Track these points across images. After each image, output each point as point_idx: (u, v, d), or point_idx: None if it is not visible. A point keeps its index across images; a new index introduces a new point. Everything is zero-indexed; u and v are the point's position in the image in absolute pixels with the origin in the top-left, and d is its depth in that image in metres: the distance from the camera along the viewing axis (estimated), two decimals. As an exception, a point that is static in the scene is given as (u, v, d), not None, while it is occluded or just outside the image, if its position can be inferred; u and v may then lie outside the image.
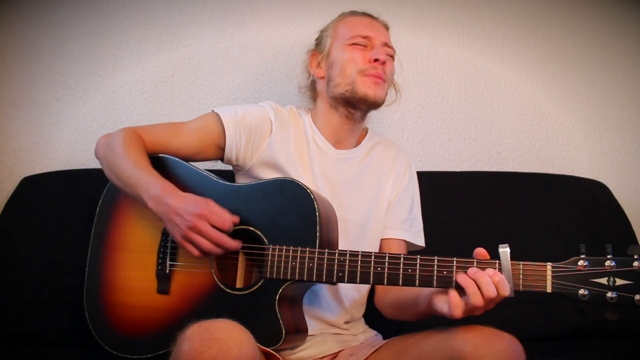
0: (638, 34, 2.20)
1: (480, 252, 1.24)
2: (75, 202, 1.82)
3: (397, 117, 2.11)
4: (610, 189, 2.04)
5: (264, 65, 2.07)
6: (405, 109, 2.12)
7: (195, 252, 1.32)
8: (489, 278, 1.16)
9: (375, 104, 1.54)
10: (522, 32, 2.18)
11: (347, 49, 1.55)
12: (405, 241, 1.61)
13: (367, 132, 1.69)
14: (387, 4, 2.14)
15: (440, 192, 1.92)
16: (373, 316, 1.63)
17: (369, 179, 1.60)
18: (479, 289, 1.16)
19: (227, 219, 1.32)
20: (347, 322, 1.55)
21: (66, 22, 2.02)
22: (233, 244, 1.33)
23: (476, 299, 1.16)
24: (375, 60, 1.52)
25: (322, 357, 1.48)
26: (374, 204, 1.58)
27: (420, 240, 1.63)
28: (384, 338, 1.56)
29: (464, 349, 1.16)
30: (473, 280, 1.18)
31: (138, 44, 2.04)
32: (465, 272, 1.19)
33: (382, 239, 1.60)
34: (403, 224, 1.60)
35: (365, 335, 1.57)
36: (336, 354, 1.49)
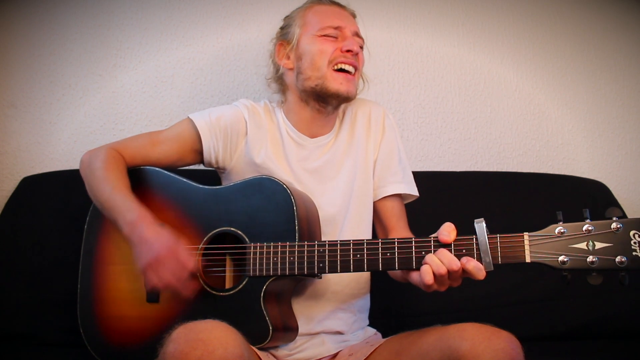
0: (638, 34, 2.21)
1: (448, 227, 1.27)
2: (75, 202, 1.80)
3: (397, 117, 2.11)
4: (610, 189, 2.04)
5: (264, 66, 2.06)
6: (405, 109, 2.12)
7: (155, 283, 1.32)
8: (450, 254, 1.22)
9: (347, 99, 1.53)
10: (522, 32, 2.18)
11: (318, 40, 1.52)
12: (399, 196, 1.60)
13: None
14: (387, 4, 2.14)
15: (440, 192, 1.92)
16: (373, 315, 1.63)
17: (347, 148, 1.59)
18: (441, 262, 1.22)
19: (189, 267, 1.32)
20: (359, 308, 1.56)
21: (66, 22, 2.02)
22: (186, 292, 1.33)
23: (439, 269, 1.21)
24: (348, 51, 1.50)
25: (321, 359, 1.48)
26: (357, 169, 1.57)
27: (414, 190, 1.61)
28: (383, 337, 1.56)
29: (462, 347, 1.16)
30: (435, 256, 1.23)
31: (138, 44, 2.05)
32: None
33: (377, 202, 1.59)
34: (393, 176, 1.59)
35: (365, 334, 1.57)
36: (335, 354, 1.49)
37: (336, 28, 1.53)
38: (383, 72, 2.10)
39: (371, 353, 1.39)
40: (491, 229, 1.85)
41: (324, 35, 1.52)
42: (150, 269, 1.32)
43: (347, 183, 1.56)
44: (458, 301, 1.72)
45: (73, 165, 1.96)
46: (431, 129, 2.13)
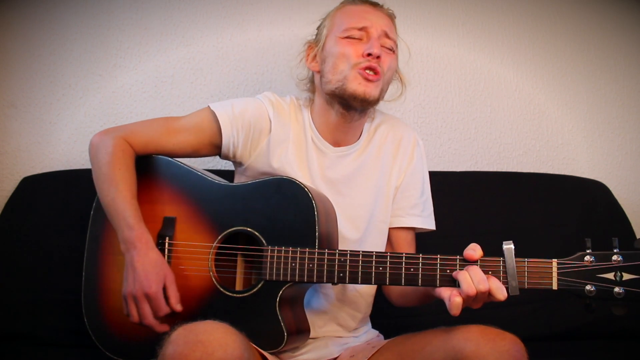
0: (638, 34, 2.20)
1: (473, 245, 1.24)
2: (75, 202, 1.82)
3: (397, 117, 2.10)
4: (610, 189, 2.04)
5: (264, 65, 2.07)
6: (405, 109, 2.12)
7: (132, 314, 1.33)
8: (482, 274, 1.18)
9: (366, 102, 1.43)
10: (522, 32, 2.18)
11: (340, 43, 1.44)
12: (413, 228, 1.56)
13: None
14: (387, 4, 2.13)
15: (440, 192, 1.91)
16: (374, 316, 1.63)
17: (371, 169, 1.53)
18: (472, 281, 1.18)
19: (169, 309, 1.33)
20: (356, 328, 1.55)
21: (66, 22, 2.02)
22: (161, 330, 1.32)
23: (469, 289, 1.17)
24: (369, 54, 1.41)
25: (323, 361, 1.48)
26: (379, 194, 1.52)
27: (431, 224, 1.57)
28: (385, 338, 1.55)
29: (466, 349, 1.15)
30: (467, 273, 1.20)
31: (138, 44, 2.04)
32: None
33: (390, 228, 1.55)
34: (413, 209, 1.55)
35: (367, 336, 1.57)
36: (336, 357, 1.48)
37: (361, 29, 1.45)
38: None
39: (373, 354, 1.38)
40: (492, 229, 1.84)
41: (347, 37, 1.45)
42: (130, 299, 1.33)
43: (367, 207, 1.51)
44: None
45: (73, 165, 1.97)
46: (431, 129, 2.13)
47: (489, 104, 2.15)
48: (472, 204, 1.96)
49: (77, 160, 1.98)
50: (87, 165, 1.90)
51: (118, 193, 1.38)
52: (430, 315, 1.45)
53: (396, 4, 2.14)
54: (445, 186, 1.96)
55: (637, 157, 2.18)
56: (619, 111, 2.19)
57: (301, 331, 1.40)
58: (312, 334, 1.46)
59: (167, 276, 1.34)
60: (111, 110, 2.02)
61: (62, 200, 1.85)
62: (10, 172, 1.97)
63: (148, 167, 1.47)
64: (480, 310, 1.66)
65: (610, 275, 1.15)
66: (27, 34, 2.01)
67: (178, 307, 1.34)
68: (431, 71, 2.14)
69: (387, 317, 1.66)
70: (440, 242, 1.70)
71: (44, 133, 1.99)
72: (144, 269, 1.31)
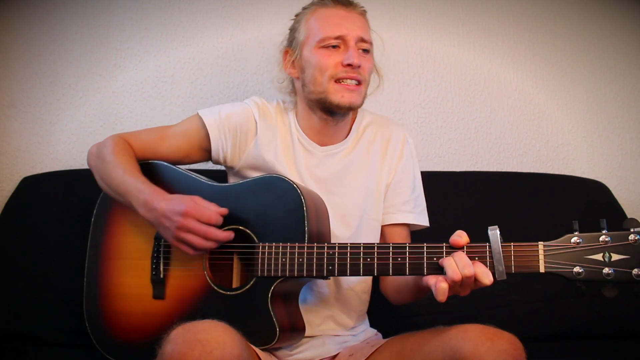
0: (638, 34, 2.20)
1: (459, 232, 1.24)
2: (75, 202, 1.82)
3: (397, 117, 2.10)
4: (610, 189, 2.04)
5: (264, 66, 2.07)
6: (405, 109, 2.12)
7: (190, 250, 1.34)
8: (467, 259, 1.19)
9: (351, 109, 1.48)
10: (522, 32, 2.18)
11: (317, 53, 1.46)
12: (407, 225, 1.58)
13: (356, 116, 1.60)
14: (386, 4, 2.14)
15: (440, 192, 1.91)
16: (373, 315, 1.63)
17: (360, 167, 1.55)
18: (457, 266, 1.19)
19: (213, 212, 1.33)
20: (354, 327, 1.55)
21: (66, 22, 2.03)
22: (223, 235, 1.34)
23: (454, 274, 1.18)
24: (349, 65, 1.43)
25: (322, 359, 1.48)
26: (369, 192, 1.54)
27: (424, 221, 1.58)
28: (384, 337, 1.56)
29: (465, 348, 1.15)
30: (452, 258, 1.20)
31: (138, 44, 2.05)
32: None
33: (383, 226, 1.56)
34: (404, 205, 1.56)
35: (365, 335, 1.57)
36: (335, 355, 1.49)
37: (337, 38, 1.45)
38: (383, 72, 2.09)
39: (372, 354, 1.39)
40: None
41: (324, 47, 1.46)
42: (180, 235, 1.32)
43: (357, 205, 1.53)
44: (458, 301, 1.72)
45: (73, 165, 1.97)
46: (431, 129, 2.13)
47: (489, 104, 2.16)
48: (472, 204, 1.96)
49: (77, 160, 1.98)
50: (87, 165, 1.92)
51: (125, 172, 1.43)
52: (429, 315, 1.46)
53: (396, 4, 2.15)
54: (445, 186, 1.96)
55: (637, 157, 2.18)
56: (619, 111, 2.19)
57: (295, 329, 1.41)
58: (309, 332, 1.46)
59: (193, 197, 1.35)
60: (111, 110, 2.02)
61: (62, 200, 1.85)
62: (10, 172, 1.97)
63: (145, 172, 1.50)
64: (479, 310, 1.67)
65: (599, 257, 1.14)
66: (27, 34, 2.01)
67: (222, 210, 1.35)
68: (431, 71, 2.14)
69: (386, 317, 1.67)
70: (439, 242, 1.71)
71: (44, 133, 2.00)
72: (171, 205, 1.33)
